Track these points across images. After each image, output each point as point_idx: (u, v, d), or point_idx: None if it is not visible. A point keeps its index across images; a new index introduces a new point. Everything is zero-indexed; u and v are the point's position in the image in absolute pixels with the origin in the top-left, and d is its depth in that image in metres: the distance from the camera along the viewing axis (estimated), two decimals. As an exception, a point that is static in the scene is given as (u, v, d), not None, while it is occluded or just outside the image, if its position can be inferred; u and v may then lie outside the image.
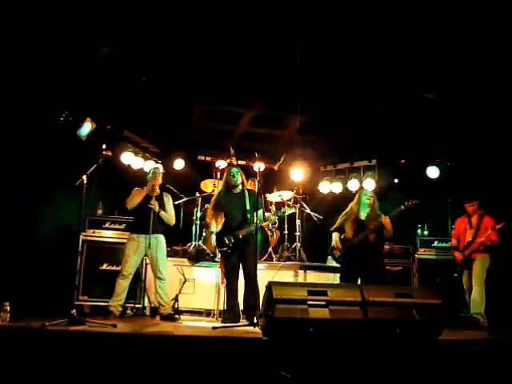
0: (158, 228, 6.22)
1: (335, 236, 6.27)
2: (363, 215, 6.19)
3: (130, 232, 6.38)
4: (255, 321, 5.24)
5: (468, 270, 6.84)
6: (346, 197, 8.73)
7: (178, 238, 7.70)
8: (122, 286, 6.04)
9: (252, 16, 5.64)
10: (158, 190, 6.34)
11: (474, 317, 6.44)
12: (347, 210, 6.36)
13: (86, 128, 6.96)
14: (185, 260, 7.20)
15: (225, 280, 6.18)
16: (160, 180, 6.42)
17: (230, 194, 6.19)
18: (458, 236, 7.11)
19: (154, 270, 6.17)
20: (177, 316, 6.15)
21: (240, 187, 6.20)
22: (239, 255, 6.02)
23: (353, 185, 8.82)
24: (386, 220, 5.96)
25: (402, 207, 6.07)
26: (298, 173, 8.73)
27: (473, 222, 6.96)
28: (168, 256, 6.67)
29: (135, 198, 6.22)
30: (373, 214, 6.13)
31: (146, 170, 7.62)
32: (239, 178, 6.17)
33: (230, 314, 5.89)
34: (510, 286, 7.16)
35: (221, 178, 7.73)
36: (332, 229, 6.35)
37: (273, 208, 8.31)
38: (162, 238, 6.26)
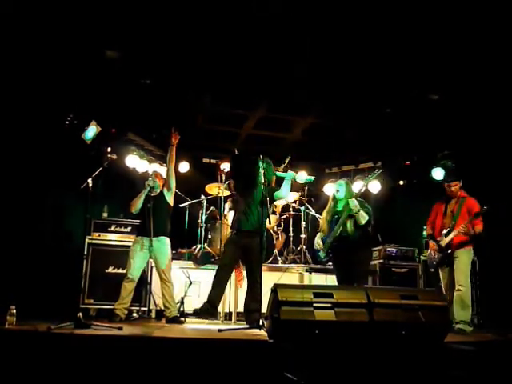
0: (162, 230, 6.23)
1: (317, 237, 6.03)
2: (339, 206, 5.86)
3: (135, 235, 6.41)
4: (256, 324, 5.15)
5: (447, 265, 6.01)
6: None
7: (184, 241, 7.72)
8: (128, 289, 6.05)
9: (257, 18, 5.65)
10: (157, 191, 6.36)
11: (459, 328, 5.60)
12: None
13: (91, 131, 6.98)
14: (190, 263, 7.21)
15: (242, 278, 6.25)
16: (158, 181, 6.43)
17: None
18: (433, 223, 6.31)
19: (159, 272, 6.18)
20: (182, 319, 6.15)
21: None
22: (242, 251, 5.88)
23: (358, 186, 8.78)
24: (350, 201, 5.60)
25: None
26: (303, 175, 8.73)
27: (451, 207, 6.13)
28: (173, 259, 6.68)
29: (135, 202, 6.25)
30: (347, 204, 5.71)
31: (151, 172, 7.66)
32: None
33: (208, 305, 5.66)
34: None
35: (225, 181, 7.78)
36: (318, 230, 6.14)
37: (278, 209, 8.32)
38: (165, 240, 6.25)
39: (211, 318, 5.62)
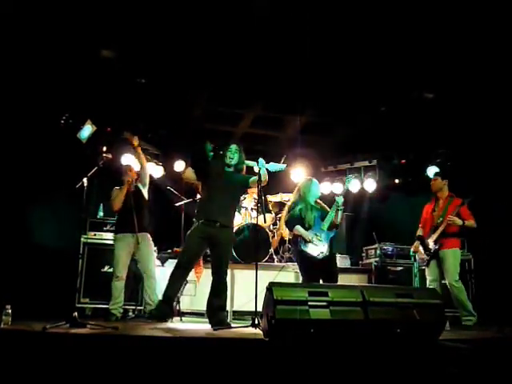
0: (145, 226, 6.24)
1: (301, 228, 5.89)
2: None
3: (115, 233, 6.37)
4: (223, 324, 5.17)
5: (436, 259, 6.13)
6: (347, 197, 8.76)
7: (180, 240, 7.71)
8: (118, 288, 6.05)
9: (252, 18, 5.65)
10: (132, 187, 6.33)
11: (466, 322, 5.97)
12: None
13: (87, 130, 6.96)
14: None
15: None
16: (133, 175, 6.40)
17: None
18: (424, 223, 6.43)
19: (143, 267, 6.18)
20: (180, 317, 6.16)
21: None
22: (209, 243, 5.43)
23: (353, 185, 8.82)
24: (339, 198, 5.91)
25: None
26: (298, 173, 8.73)
27: (439, 206, 6.28)
28: (169, 258, 6.69)
29: (118, 198, 6.22)
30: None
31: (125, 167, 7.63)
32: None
33: (164, 307, 5.32)
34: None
35: None
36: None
37: (274, 208, 8.33)
38: (148, 236, 6.29)
39: (167, 320, 5.26)
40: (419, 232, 6.46)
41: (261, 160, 5.45)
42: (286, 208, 6.15)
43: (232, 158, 5.51)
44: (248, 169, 5.74)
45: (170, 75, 6.86)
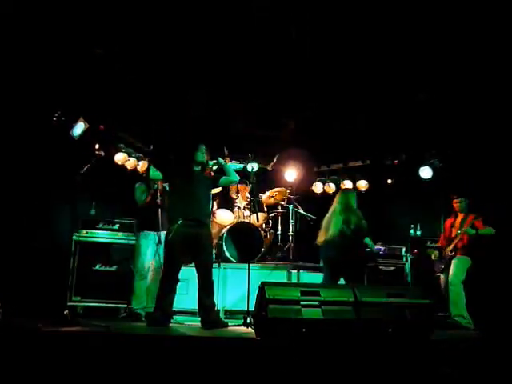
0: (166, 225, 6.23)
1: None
2: None
3: (139, 229, 6.37)
4: (217, 323, 5.18)
5: (446, 269, 6.52)
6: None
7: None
8: (142, 287, 6.09)
9: (247, 13, 5.65)
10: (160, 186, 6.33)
11: (455, 320, 6.14)
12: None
13: (79, 128, 6.94)
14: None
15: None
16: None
17: None
18: (444, 236, 6.82)
19: (159, 266, 6.17)
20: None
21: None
22: (190, 242, 5.30)
23: (346, 185, 8.83)
24: None
25: None
26: (291, 173, 8.73)
27: (458, 221, 6.62)
28: (162, 256, 6.67)
29: (144, 196, 6.21)
30: None
31: (139, 170, 7.63)
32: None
33: (160, 314, 5.19)
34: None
35: None
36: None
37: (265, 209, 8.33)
38: None
39: (166, 326, 5.13)
40: (438, 243, 6.90)
41: (220, 159, 5.78)
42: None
43: (203, 158, 5.60)
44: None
45: (164, 73, 6.83)
